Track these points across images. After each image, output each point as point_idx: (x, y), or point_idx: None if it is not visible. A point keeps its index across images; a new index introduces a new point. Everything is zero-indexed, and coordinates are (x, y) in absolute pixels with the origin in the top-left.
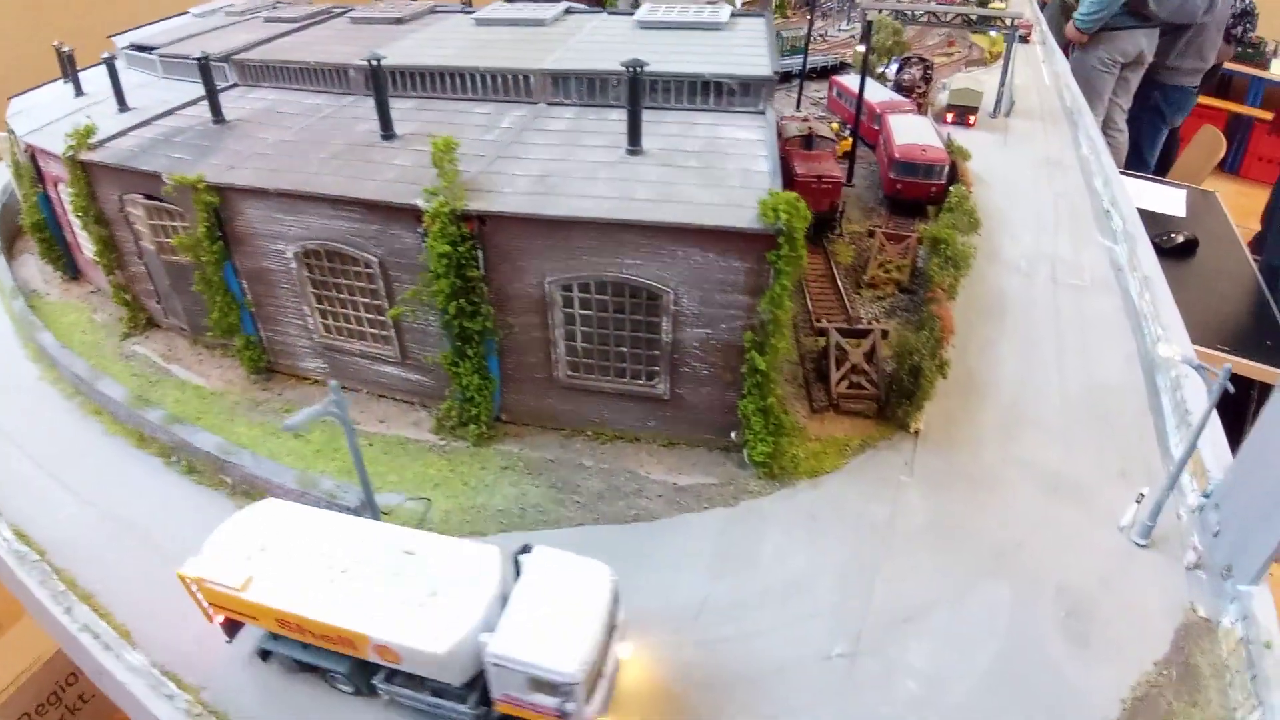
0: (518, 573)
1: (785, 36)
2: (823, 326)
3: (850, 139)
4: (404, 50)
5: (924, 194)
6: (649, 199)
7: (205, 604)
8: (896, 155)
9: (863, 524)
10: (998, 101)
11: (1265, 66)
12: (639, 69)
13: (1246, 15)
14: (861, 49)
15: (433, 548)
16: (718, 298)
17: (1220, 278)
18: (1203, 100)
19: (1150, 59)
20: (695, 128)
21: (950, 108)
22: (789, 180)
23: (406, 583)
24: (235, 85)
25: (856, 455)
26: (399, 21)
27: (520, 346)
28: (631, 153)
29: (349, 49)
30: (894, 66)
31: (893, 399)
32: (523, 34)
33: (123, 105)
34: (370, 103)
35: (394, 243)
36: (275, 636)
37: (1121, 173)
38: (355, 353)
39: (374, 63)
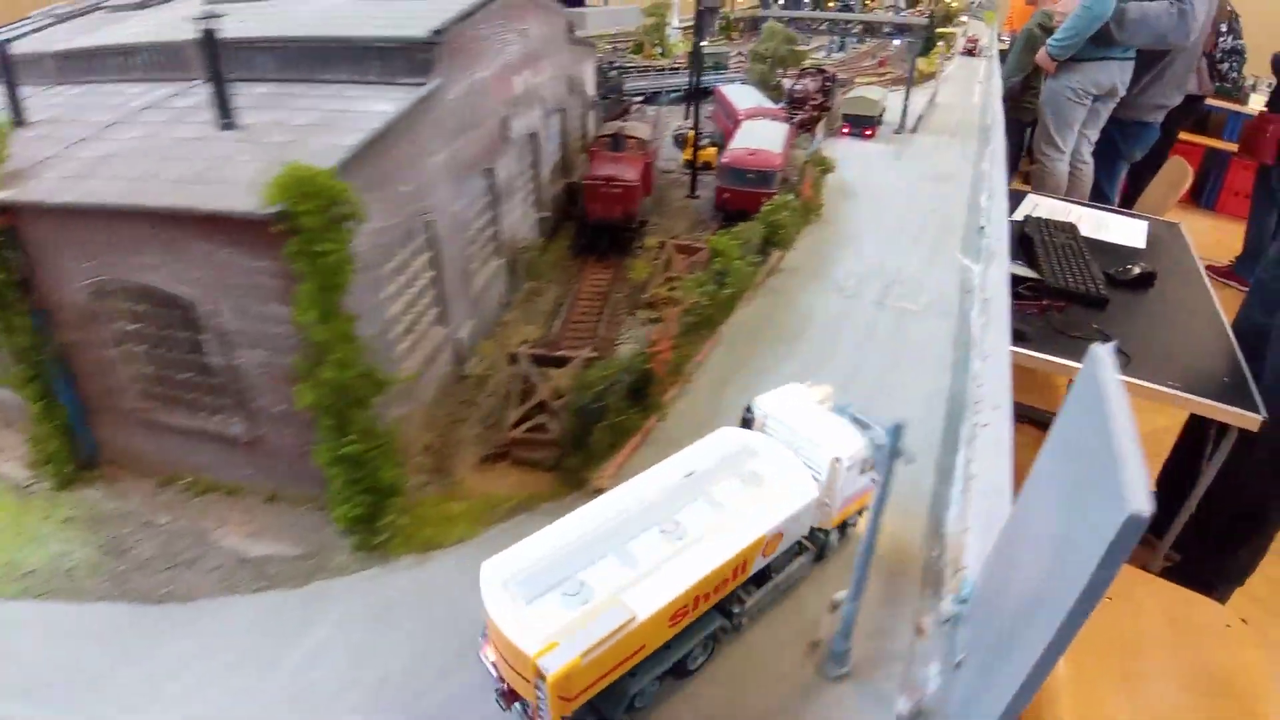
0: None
1: (710, 55)
2: (515, 352)
3: (715, 147)
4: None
5: (753, 204)
6: (174, 180)
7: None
8: (723, 160)
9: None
10: (903, 115)
11: (1244, 102)
12: (212, 31)
13: (1236, 54)
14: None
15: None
16: (255, 309)
17: (1178, 310)
18: (1181, 136)
19: (1123, 92)
20: (331, 100)
21: (846, 119)
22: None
23: (721, 487)
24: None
25: (502, 522)
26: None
27: (95, 370)
28: (225, 128)
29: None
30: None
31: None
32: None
33: None
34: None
35: None
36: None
37: (1082, 204)
38: None
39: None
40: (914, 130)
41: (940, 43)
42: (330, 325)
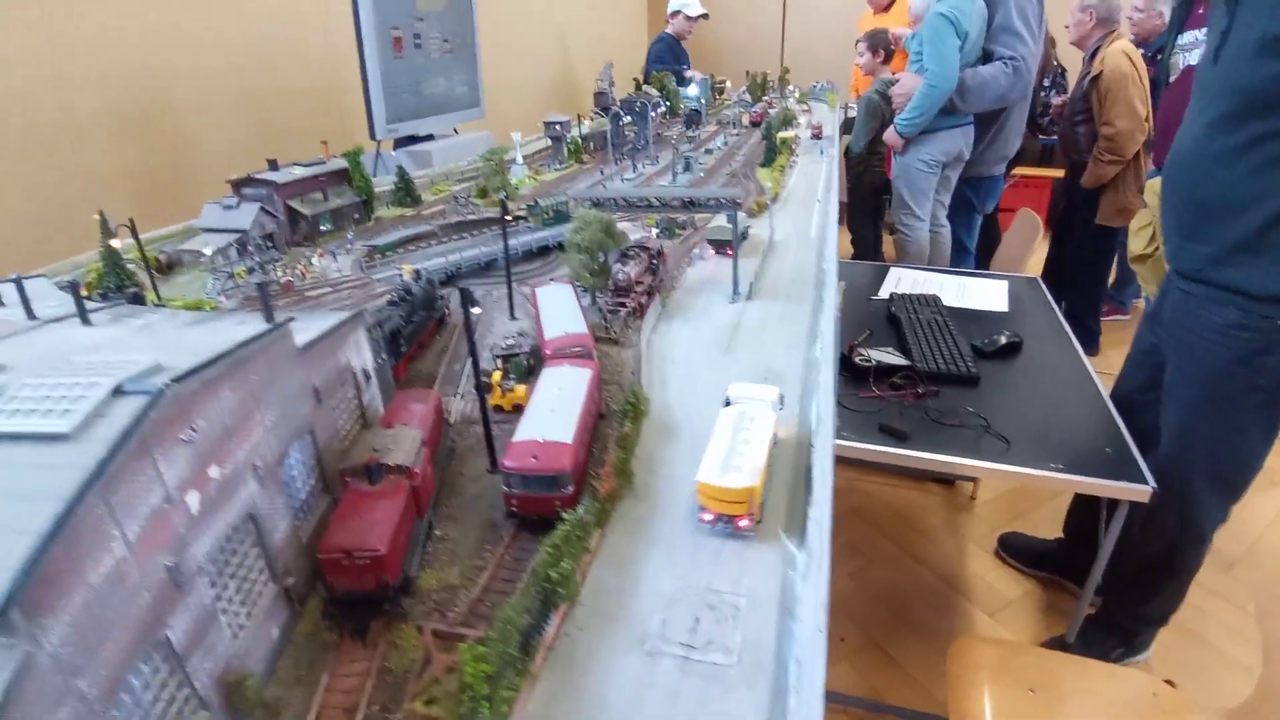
0: None
1: (543, 206)
2: None
3: (523, 386)
4: None
5: (547, 509)
6: None
7: None
8: (505, 461)
9: None
10: (734, 283)
11: None
12: None
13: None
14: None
15: None
16: None
17: (1049, 378)
18: (1027, 173)
19: (969, 155)
20: None
21: (711, 243)
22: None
23: None
24: None
25: None
26: None
27: None
28: None
29: None
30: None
31: None
32: None
33: None
34: None
35: None
36: None
37: (944, 271)
38: None
39: None
40: (749, 296)
41: (781, 151)
42: None
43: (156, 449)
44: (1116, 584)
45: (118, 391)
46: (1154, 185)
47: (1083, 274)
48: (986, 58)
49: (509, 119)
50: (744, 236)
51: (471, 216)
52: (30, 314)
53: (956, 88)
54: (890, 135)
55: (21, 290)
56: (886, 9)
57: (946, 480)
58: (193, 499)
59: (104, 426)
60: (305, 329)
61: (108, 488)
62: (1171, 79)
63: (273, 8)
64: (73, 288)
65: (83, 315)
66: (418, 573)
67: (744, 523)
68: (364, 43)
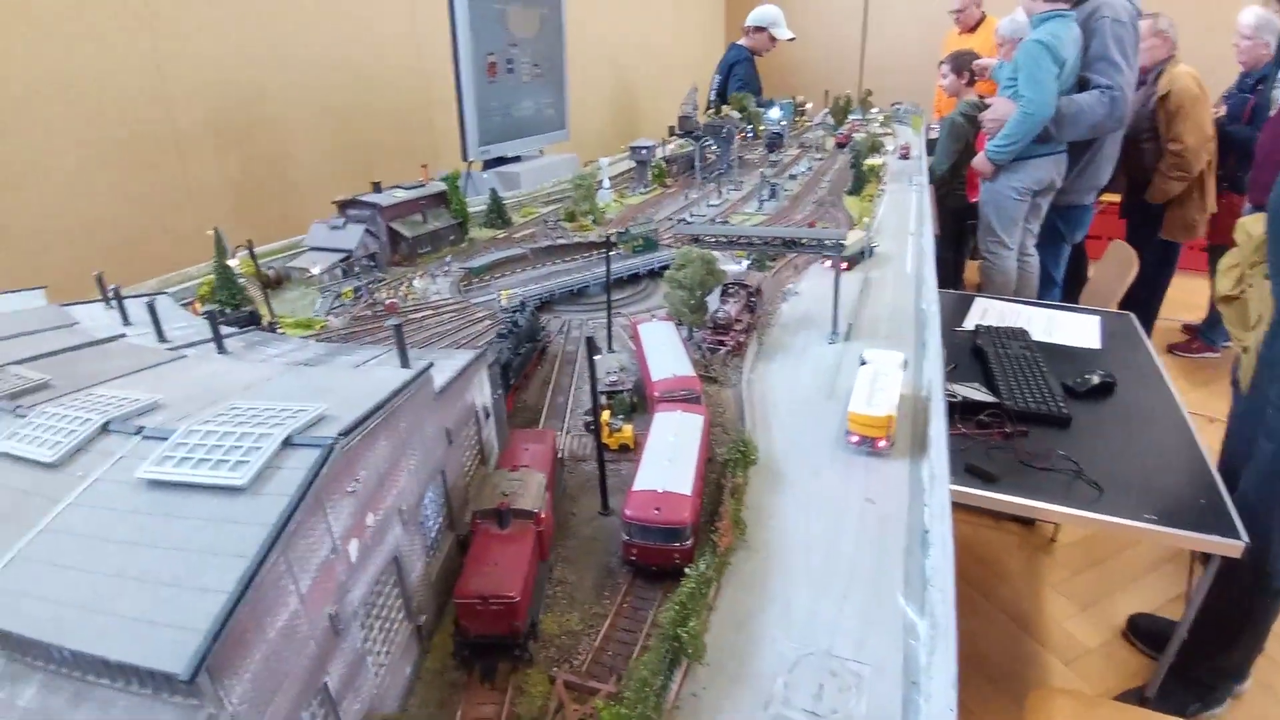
0: None
1: (633, 233)
2: None
3: (629, 427)
4: None
5: (666, 560)
6: None
7: None
8: (625, 511)
9: None
10: (834, 322)
11: None
12: None
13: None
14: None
15: None
16: None
17: (1142, 421)
18: (1114, 199)
19: (1060, 184)
20: None
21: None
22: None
23: None
24: None
25: None
26: None
27: None
28: None
29: None
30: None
31: None
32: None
33: None
34: None
35: None
36: None
37: (1032, 303)
38: None
39: None
40: (847, 337)
41: (870, 179)
42: None
43: (327, 502)
44: (1195, 637)
45: (288, 443)
46: (1247, 224)
47: (1143, 289)
48: (1081, 85)
49: (587, 138)
50: (868, 254)
51: (561, 241)
52: (161, 335)
53: (1053, 115)
54: (980, 161)
55: (153, 312)
56: (973, 29)
57: (1026, 520)
58: (353, 547)
59: (278, 480)
60: (439, 369)
61: (287, 544)
62: (1273, 111)
63: (368, 29)
64: (210, 318)
65: (219, 343)
66: (541, 617)
67: (882, 443)
68: (460, 68)
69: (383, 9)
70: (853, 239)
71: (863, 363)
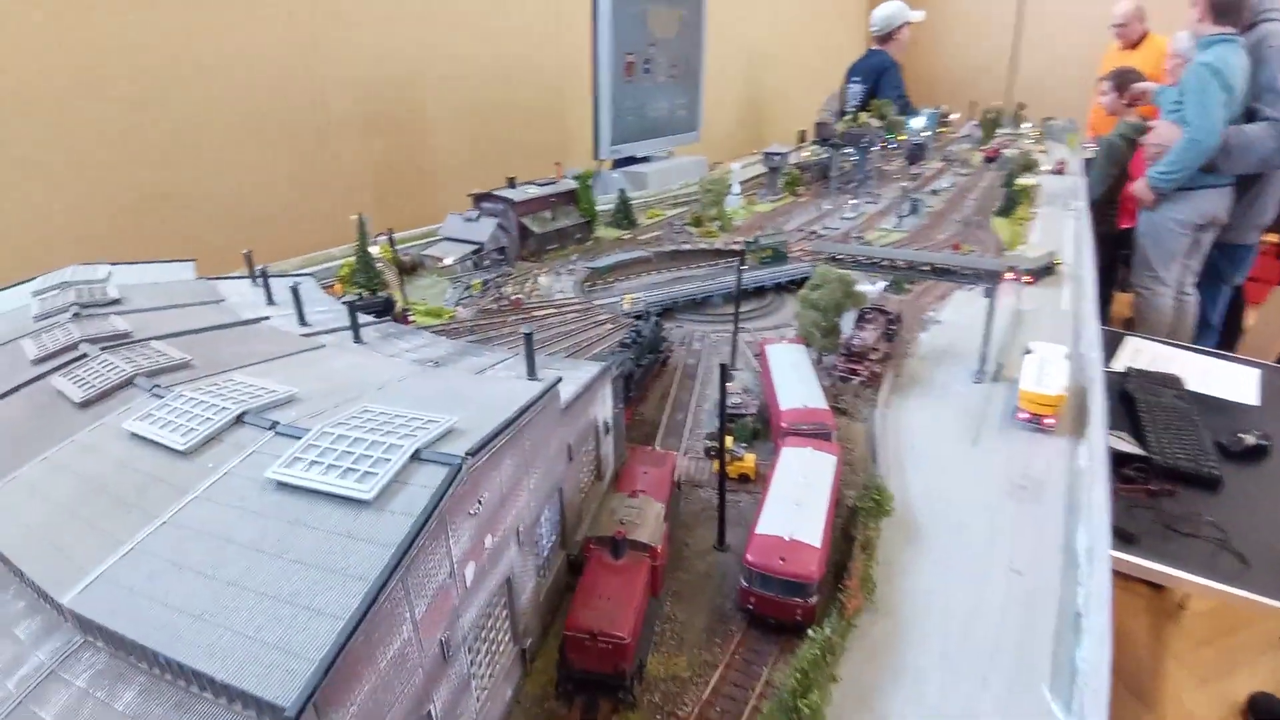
0: None
1: (763, 243)
2: None
3: (752, 456)
4: None
5: (786, 615)
6: None
7: None
8: (748, 557)
9: None
10: (981, 360)
11: None
12: None
13: None
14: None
15: None
16: None
17: None
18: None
19: (1226, 219)
20: None
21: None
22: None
23: None
24: None
25: None
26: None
27: None
28: None
29: None
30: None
31: None
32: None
33: None
34: None
35: None
36: None
37: (1187, 347)
38: None
39: None
40: (994, 378)
41: (1023, 200)
42: None
43: (450, 524)
44: None
45: (416, 456)
46: None
47: None
48: (1249, 116)
49: (716, 140)
50: (1049, 270)
51: (686, 246)
52: (302, 319)
53: (1220, 145)
54: (1141, 188)
55: (297, 296)
56: (1135, 45)
57: (1156, 583)
58: (470, 570)
59: (404, 497)
60: (566, 381)
61: (408, 568)
62: None
63: (514, 28)
64: (350, 307)
65: (355, 333)
66: (648, 657)
67: (1049, 420)
68: (599, 67)
69: (528, 8)
70: (1036, 252)
71: (1028, 352)
